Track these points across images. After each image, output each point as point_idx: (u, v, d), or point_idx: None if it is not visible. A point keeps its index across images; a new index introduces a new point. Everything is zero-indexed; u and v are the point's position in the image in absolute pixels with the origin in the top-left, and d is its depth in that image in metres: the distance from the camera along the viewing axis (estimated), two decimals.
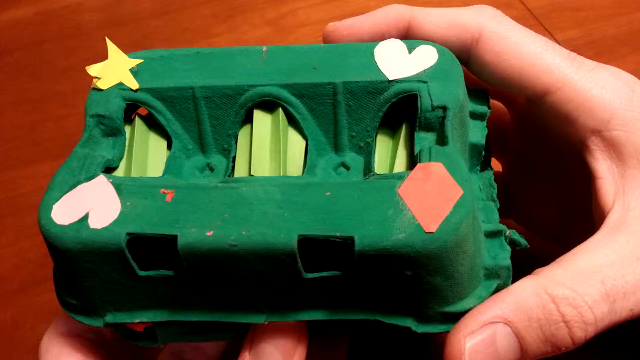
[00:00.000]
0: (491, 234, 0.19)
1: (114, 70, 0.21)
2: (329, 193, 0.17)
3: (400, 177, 0.18)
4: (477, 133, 0.21)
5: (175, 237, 0.17)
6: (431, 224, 0.16)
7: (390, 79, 0.20)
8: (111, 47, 0.21)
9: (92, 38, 0.49)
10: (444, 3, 0.45)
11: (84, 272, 0.18)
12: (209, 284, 0.18)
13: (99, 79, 0.21)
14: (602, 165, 0.20)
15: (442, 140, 0.19)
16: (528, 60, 0.21)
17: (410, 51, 0.21)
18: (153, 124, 0.22)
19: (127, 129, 0.22)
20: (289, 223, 0.17)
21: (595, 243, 0.19)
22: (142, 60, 0.21)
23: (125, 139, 0.21)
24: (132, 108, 0.22)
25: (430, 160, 0.18)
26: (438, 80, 0.20)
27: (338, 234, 0.16)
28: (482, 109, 0.21)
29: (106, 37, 0.22)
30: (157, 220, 0.17)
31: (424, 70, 0.20)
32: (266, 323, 0.18)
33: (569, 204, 0.26)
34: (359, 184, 0.18)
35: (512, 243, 0.19)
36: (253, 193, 0.18)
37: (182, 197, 0.18)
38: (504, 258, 0.18)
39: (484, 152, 0.21)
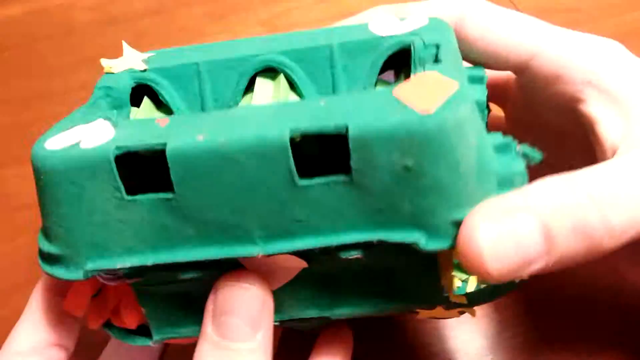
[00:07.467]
0: (500, 148, 0.18)
1: (127, 62, 0.23)
2: (323, 102, 0.17)
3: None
4: (479, 92, 0.21)
5: (164, 150, 0.16)
6: (429, 108, 0.15)
7: (383, 35, 0.21)
8: (126, 46, 0.23)
9: (85, 37, 0.49)
10: None
11: (67, 198, 0.17)
12: (199, 205, 0.17)
13: (111, 68, 0.22)
14: (599, 109, 0.20)
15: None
16: (513, 28, 0.22)
17: (402, 20, 0.22)
18: (160, 104, 0.23)
19: (134, 110, 0.22)
20: (281, 121, 0.16)
21: (619, 164, 0.18)
22: (154, 54, 0.23)
23: (129, 111, 0.22)
24: (140, 91, 0.22)
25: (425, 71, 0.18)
26: (430, 32, 0.21)
27: (332, 124, 0.16)
28: (480, 72, 0.21)
29: (123, 41, 0.23)
30: (148, 137, 0.17)
31: (416, 29, 0.21)
32: (259, 256, 0.17)
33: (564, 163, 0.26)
34: (353, 93, 0.19)
35: (525, 156, 0.17)
36: (249, 110, 0.18)
37: (176, 120, 0.18)
38: (517, 165, 0.17)
39: (486, 111, 0.21)
